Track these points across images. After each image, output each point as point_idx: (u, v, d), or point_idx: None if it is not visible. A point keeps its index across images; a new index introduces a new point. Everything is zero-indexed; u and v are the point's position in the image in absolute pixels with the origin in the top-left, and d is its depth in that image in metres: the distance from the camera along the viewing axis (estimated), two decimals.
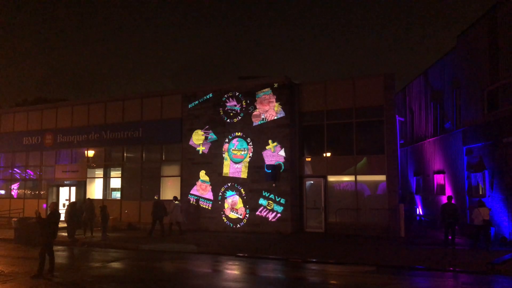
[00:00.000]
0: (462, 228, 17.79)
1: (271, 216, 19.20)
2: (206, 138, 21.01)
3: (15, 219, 18.28)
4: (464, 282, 10.39)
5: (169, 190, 21.80)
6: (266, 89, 19.73)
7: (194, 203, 20.92)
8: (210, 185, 20.68)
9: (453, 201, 16.21)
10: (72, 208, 18.66)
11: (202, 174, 20.93)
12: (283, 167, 19.13)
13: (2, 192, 27.36)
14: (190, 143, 21.32)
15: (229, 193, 20.26)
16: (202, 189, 20.85)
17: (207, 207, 20.65)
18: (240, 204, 19.93)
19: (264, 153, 19.57)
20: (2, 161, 27.42)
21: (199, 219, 20.69)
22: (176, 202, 19.33)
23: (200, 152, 21.02)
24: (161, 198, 21.00)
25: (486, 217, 14.71)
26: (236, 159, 20.20)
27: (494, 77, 16.23)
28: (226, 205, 20.27)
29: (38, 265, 10.88)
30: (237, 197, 20.02)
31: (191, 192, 21.07)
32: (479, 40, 17.33)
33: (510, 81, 15.35)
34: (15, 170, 26.96)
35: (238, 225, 19.86)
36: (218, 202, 20.44)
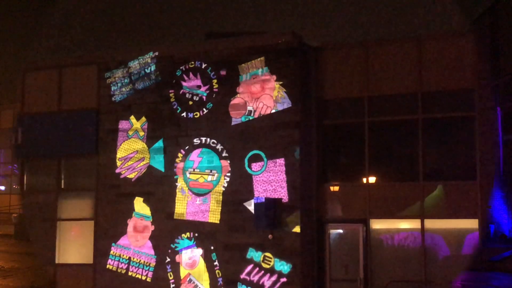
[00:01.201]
0: None
1: None
2: (142, 148, 12.04)
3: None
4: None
5: (72, 245, 12.88)
6: (257, 61, 11.25)
7: (120, 270, 11.90)
8: (152, 230, 11.85)
9: None
10: None
11: (139, 205, 12.02)
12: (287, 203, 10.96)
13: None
14: (114, 157, 12.26)
15: (185, 250, 11.51)
16: (136, 238, 11.89)
17: (143, 276, 11.71)
18: (204, 272, 11.30)
19: (254, 177, 11.21)
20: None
21: None
22: None
23: (132, 175, 12.08)
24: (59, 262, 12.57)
25: None
26: (198, 190, 11.60)
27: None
28: (181, 273, 11.45)
29: None
30: (200, 258, 11.41)
31: (113, 248, 12.02)
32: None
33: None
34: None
35: None
36: (164, 266, 11.59)
